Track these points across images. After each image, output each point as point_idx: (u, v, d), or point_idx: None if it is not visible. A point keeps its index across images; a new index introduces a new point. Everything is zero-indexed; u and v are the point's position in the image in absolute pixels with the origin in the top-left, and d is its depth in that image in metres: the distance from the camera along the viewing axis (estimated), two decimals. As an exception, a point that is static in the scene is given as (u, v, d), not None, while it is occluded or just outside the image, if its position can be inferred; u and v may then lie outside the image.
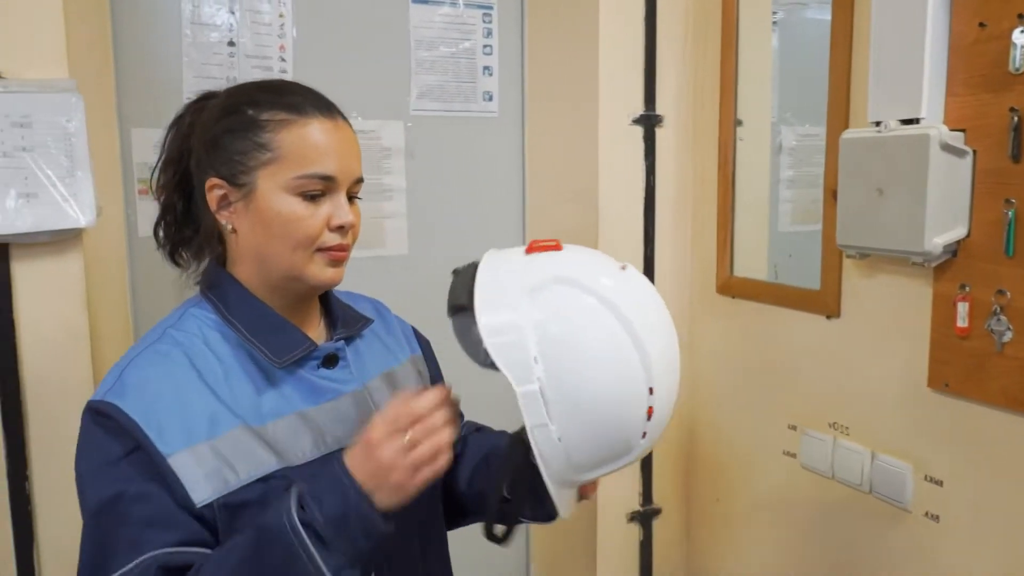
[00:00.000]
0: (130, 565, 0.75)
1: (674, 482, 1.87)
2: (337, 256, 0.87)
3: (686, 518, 1.89)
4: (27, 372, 1.29)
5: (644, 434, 0.80)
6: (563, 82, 1.81)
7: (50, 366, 1.30)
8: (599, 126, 1.69)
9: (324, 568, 0.72)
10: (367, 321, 1.00)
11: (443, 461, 0.77)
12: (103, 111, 1.53)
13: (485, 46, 1.89)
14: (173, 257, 0.94)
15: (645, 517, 1.84)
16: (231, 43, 1.66)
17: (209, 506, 0.79)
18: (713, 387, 1.77)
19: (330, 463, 0.77)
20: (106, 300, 1.46)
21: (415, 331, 1.11)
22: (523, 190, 1.97)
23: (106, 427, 0.79)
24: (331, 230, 0.86)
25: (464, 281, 0.82)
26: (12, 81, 1.24)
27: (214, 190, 0.87)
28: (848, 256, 1.35)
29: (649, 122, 1.73)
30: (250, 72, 1.67)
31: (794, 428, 1.54)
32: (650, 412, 0.80)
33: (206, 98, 0.93)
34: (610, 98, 1.69)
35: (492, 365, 0.80)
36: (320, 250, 0.86)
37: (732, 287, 1.69)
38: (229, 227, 0.87)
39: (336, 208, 0.86)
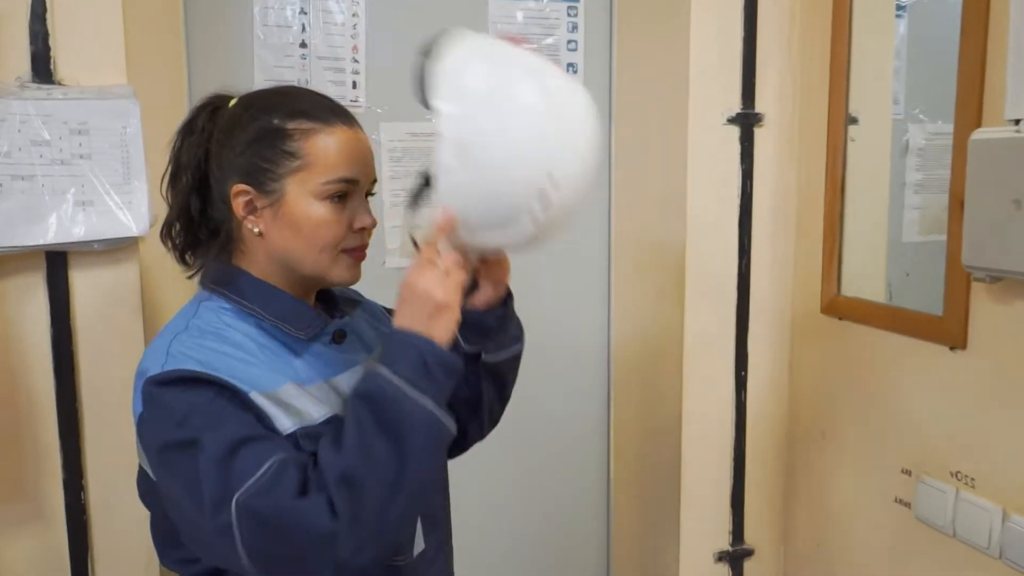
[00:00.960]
0: (262, 469, 0.77)
1: (769, 520, 1.68)
2: (359, 256, 0.92)
3: (782, 562, 1.70)
4: (83, 379, 1.28)
5: (533, 216, 0.84)
6: (653, 78, 1.67)
7: (105, 373, 1.29)
8: (688, 126, 1.54)
9: (428, 405, 0.79)
10: (356, 302, 1.05)
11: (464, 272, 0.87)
12: (176, 117, 1.52)
13: (570, 42, 1.77)
14: (183, 258, 0.96)
15: (735, 558, 1.67)
16: (303, 44, 1.61)
17: (292, 435, 0.83)
18: (815, 418, 1.58)
19: (386, 335, 0.84)
20: (170, 307, 1.44)
21: (384, 308, 1.14)
22: (608, 196, 1.83)
23: (182, 385, 0.81)
24: (354, 231, 0.90)
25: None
26: (72, 88, 1.22)
27: (240, 196, 0.89)
28: (976, 279, 1.14)
29: (747, 121, 1.56)
30: (322, 74, 1.63)
31: (909, 474, 1.34)
32: (545, 197, 0.83)
33: (215, 103, 0.94)
34: (702, 94, 1.54)
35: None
36: (344, 251, 0.90)
37: (839, 308, 1.50)
38: (256, 231, 0.89)
39: (358, 210, 0.90)
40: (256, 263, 0.92)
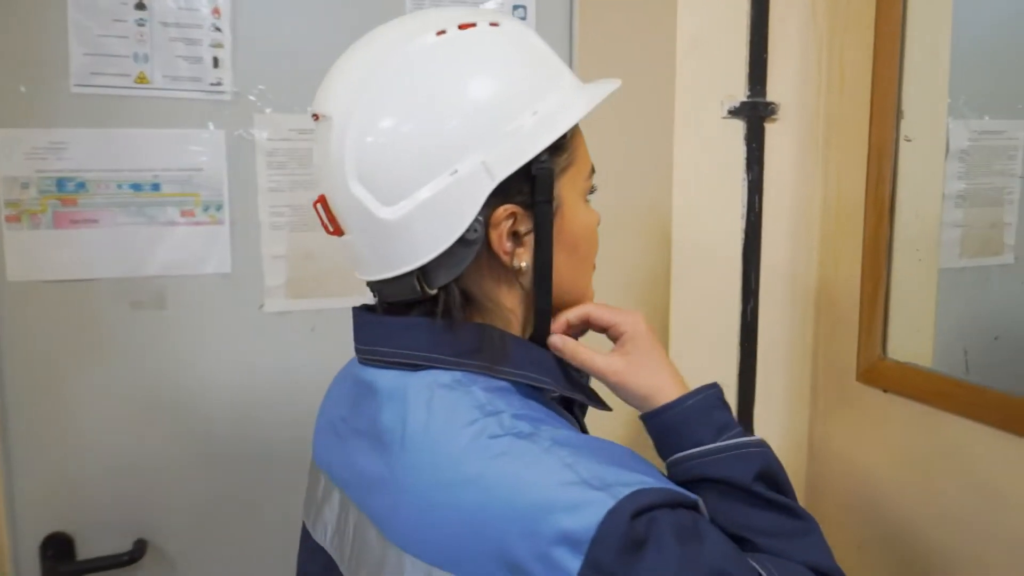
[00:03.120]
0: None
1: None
2: None
3: None
4: None
5: None
6: (627, 55, 1.28)
7: None
8: (676, 119, 1.19)
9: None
10: None
11: None
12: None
13: (516, 7, 1.35)
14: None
15: None
16: (140, 6, 1.17)
17: None
18: (846, 524, 1.18)
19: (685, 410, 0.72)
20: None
21: None
22: (568, 212, 1.42)
23: (676, 511, 0.61)
24: None
25: None
26: None
27: (503, 223, 0.65)
28: None
29: (755, 113, 1.20)
30: (169, 47, 1.18)
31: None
32: None
33: None
34: (694, 76, 1.19)
35: None
36: None
37: (884, 376, 1.09)
38: (522, 266, 0.67)
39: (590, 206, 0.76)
40: (501, 315, 0.70)
